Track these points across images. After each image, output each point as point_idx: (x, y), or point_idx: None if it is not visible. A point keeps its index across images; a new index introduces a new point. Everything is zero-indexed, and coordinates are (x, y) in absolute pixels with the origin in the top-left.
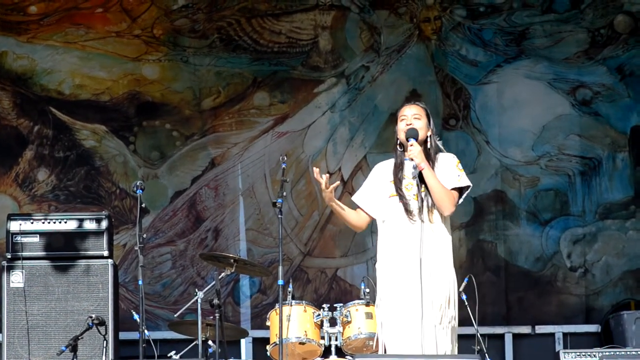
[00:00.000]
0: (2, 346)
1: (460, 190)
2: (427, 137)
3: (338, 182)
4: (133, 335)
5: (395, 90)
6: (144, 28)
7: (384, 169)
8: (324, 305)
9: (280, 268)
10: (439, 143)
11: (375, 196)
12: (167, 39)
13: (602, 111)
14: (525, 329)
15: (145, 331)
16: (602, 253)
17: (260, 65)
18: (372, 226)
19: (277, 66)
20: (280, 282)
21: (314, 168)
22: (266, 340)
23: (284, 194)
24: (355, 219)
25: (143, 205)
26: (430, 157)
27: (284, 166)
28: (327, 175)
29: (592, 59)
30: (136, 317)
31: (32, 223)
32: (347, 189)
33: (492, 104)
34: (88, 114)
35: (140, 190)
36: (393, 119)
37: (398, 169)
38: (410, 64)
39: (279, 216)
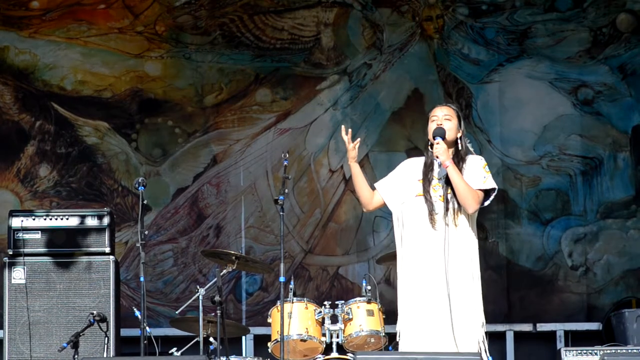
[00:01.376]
0: (4, 342)
1: (487, 193)
2: (457, 138)
3: (360, 139)
4: (134, 332)
5: (397, 88)
6: (147, 25)
7: (413, 166)
8: (325, 303)
9: (281, 265)
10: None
11: (397, 189)
12: (170, 35)
13: (603, 111)
14: (526, 327)
15: (147, 328)
16: (603, 252)
17: (263, 62)
18: (374, 225)
19: (280, 63)
20: (282, 279)
21: (342, 126)
22: (267, 338)
23: (286, 191)
24: (367, 194)
25: (145, 201)
26: (461, 159)
27: (286, 163)
28: (350, 130)
29: (594, 58)
30: (137, 313)
31: (33, 219)
32: (349, 187)
33: (494, 103)
34: (90, 111)
35: (142, 187)
36: (395, 117)
37: (428, 169)
38: (413, 62)
39: (281, 213)
